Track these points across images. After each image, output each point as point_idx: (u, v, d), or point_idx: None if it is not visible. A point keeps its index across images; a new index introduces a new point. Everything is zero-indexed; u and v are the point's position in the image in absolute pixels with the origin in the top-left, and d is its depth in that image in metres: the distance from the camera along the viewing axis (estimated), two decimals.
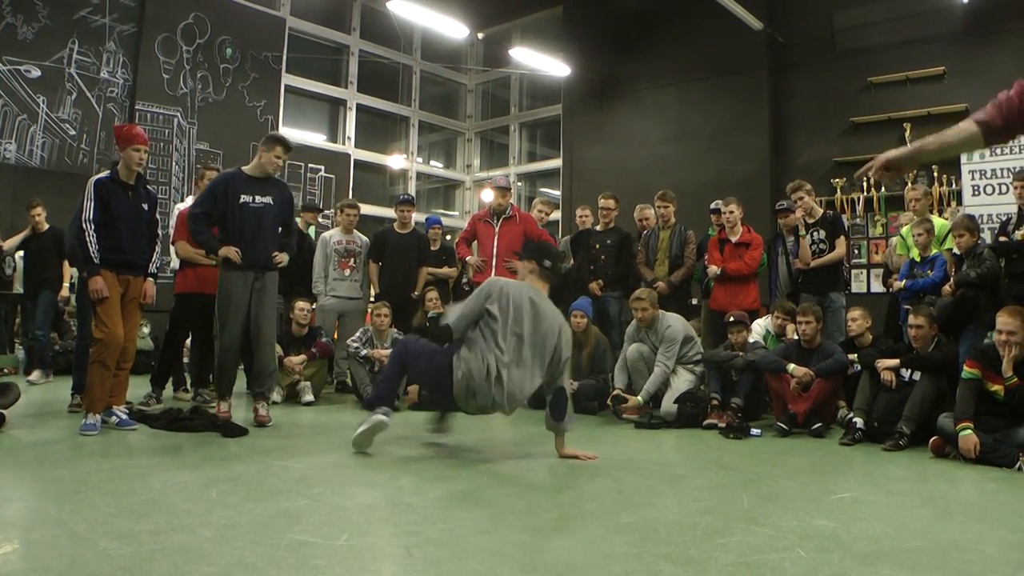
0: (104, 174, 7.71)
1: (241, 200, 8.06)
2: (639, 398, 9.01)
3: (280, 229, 8.40)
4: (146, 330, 13.18)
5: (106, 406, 7.55)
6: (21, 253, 12.41)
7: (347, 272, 11.08)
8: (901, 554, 3.92)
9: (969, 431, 6.60)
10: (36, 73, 14.36)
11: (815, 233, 9.93)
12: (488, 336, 6.40)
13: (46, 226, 11.92)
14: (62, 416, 8.42)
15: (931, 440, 6.98)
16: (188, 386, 10.25)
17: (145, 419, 7.92)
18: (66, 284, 12.09)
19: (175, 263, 10.17)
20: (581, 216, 11.98)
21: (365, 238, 11.46)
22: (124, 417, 7.70)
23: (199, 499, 4.81)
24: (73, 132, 14.77)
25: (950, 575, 3.63)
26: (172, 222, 10.33)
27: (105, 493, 4.91)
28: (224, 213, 8.07)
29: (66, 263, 12.05)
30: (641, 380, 9.16)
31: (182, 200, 12.93)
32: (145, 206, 7.84)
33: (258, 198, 8.14)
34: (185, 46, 16.26)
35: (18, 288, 12.96)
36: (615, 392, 9.21)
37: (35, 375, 11.55)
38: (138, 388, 9.02)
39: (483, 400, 6.41)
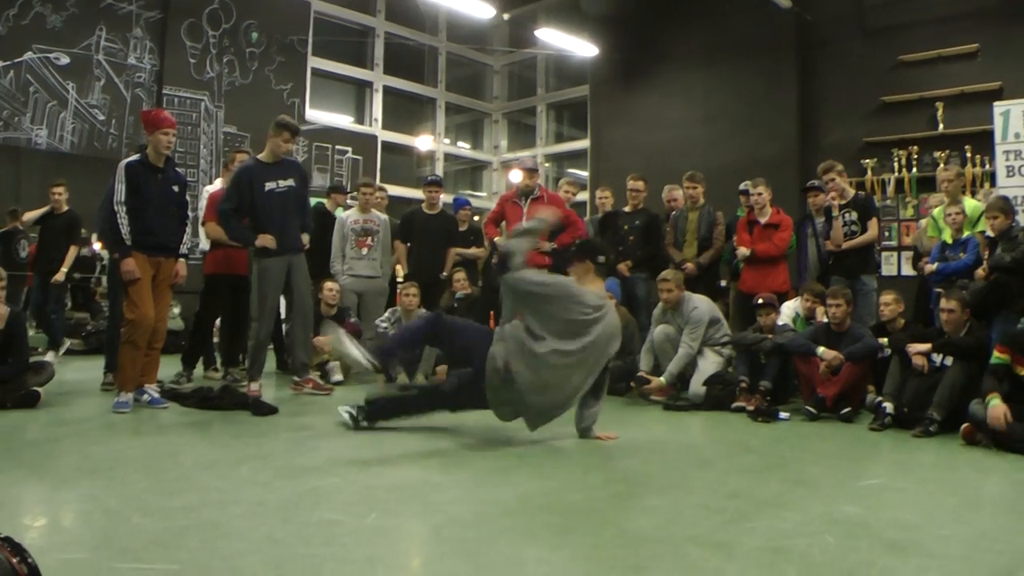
0: (134, 157, 7.79)
1: (267, 188, 8.37)
2: (662, 379, 9.00)
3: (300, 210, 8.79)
4: (176, 310, 13.21)
5: (137, 385, 7.65)
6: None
7: (364, 251, 10.96)
8: (930, 543, 3.90)
9: (997, 400, 6.49)
10: (65, 60, 14.45)
11: (847, 215, 9.79)
12: (532, 345, 6.20)
13: (65, 207, 11.95)
14: (95, 394, 8.55)
15: (962, 427, 6.83)
16: (218, 365, 10.31)
17: (176, 397, 8.02)
18: (63, 269, 12.08)
19: (204, 244, 10.22)
20: (601, 198, 11.95)
21: (384, 216, 11.36)
22: (155, 396, 7.79)
23: (229, 476, 4.87)
24: (102, 117, 14.86)
25: (979, 565, 3.60)
26: (201, 204, 10.36)
27: (137, 469, 4.97)
28: (252, 203, 8.35)
29: (72, 248, 12.10)
30: (667, 362, 9.13)
31: (210, 182, 12.98)
32: (175, 188, 7.92)
33: (281, 183, 8.48)
34: (211, 31, 16.31)
35: None
36: (639, 374, 9.20)
37: (50, 355, 11.61)
38: (168, 368, 9.07)
39: (510, 398, 6.32)
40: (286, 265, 8.50)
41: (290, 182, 8.55)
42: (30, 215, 12.02)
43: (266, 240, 8.29)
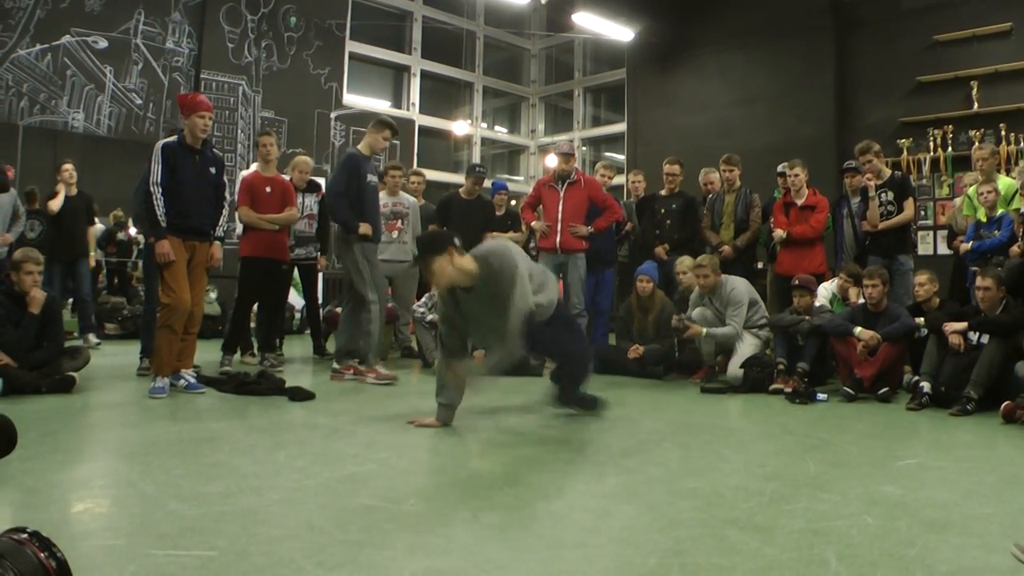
0: (171, 138, 7.76)
1: (368, 179, 8.95)
2: (702, 330, 9.10)
3: None
4: (213, 295, 13.26)
5: (174, 370, 7.66)
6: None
7: (394, 234, 10.92)
8: (969, 522, 3.88)
9: None
10: (103, 44, 14.52)
11: (883, 195, 9.78)
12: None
13: (75, 190, 11.99)
14: (131, 379, 8.57)
15: (1003, 405, 6.82)
16: (255, 351, 10.33)
17: (213, 383, 8.02)
18: (92, 252, 12.21)
19: (239, 228, 10.25)
20: (633, 182, 12.02)
21: (412, 199, 11.32)
22: (192, 381, 7.80)
23: (267, 462, 4.87)
24: (139, 101, 14.92)
25: (1020, 542, 3.56)
26: (237, 188, 10.38)
27: (174, 455, 4.98)
28: (359, 191, 8.86)
29: (91, 229, 12.19)
30: (705, 345, 9.21)
31: (247, 167, 13.02)
32: (212, 170, 7.91)
33: (372, 178, 9.10)
34: (249, 15, 16.35)
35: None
36: (678, 318, 9.23)
37: (92, 338, 11.73)
38: (204, 352, 9.10)
39: None
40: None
41: (375, 178, 9.28)
42: (54, 202, 11.92)
43: (366, 228, 8.76)
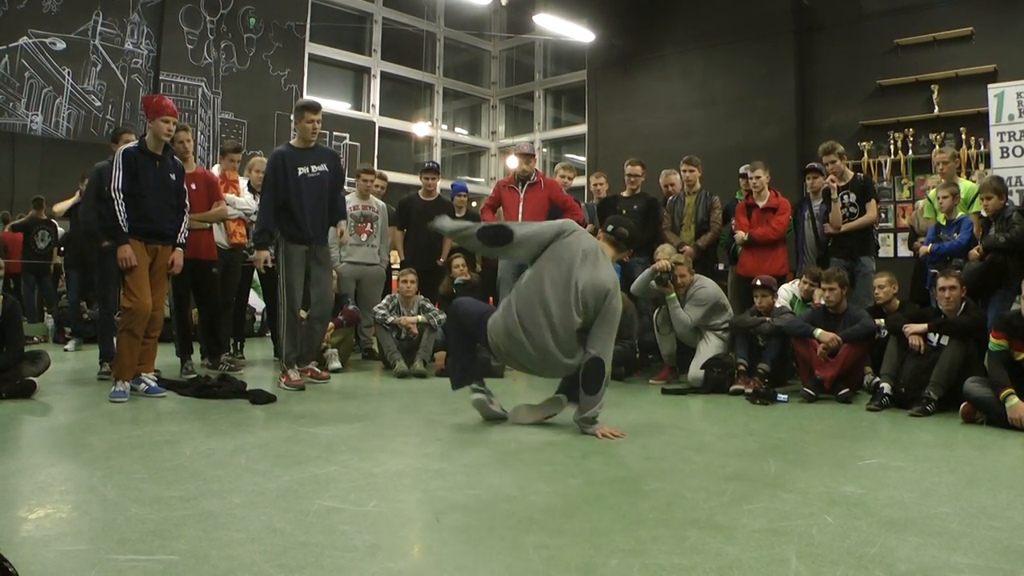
0: (132, 144, 7.71)
1: (299, 173, 8.45)
2: (673, 295, 9.20)
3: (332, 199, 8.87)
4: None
5: (135, 374, 7.60)
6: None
7: (363, 237, 10.91)
8: (928, 520, 3.91)
9: (1016, 399, 6.48)
10: (61, 45, 14.45)
11: (845, 196, 9.82)
12: (512, 292, 6.45)
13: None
14: (91, 383, 8.52)
15: (962, 406, 6.87)
16: (201, 355, 9.95)
17: (174, 386, 7.97)
18: None
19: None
20: (596, 184, 11.95)
21: (382, 203, 11.33)
22: (153, 384, 7.73)
23: (228, 465, 4.85)
24: (98, 103, 14.85)
25: (978, 541, 3.60)
26: None
27: (135, 459, 4.95)
28: (286, 188, 8.42)
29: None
30: (665, 345, 9.45)
31: (208, 168, 12.96)
32: (173, 176, 7.85)
33: (314, 168, 8.55)
34: (209, 16, 16.31)
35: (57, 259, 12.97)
36: (667, 266, 9.22)
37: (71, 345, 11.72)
38: (163, 356, 9.00)
39: (514, 360, 6.50)
40: (307, 254, 8.58)
41: (323, 167, 8.63)
42: (61, 205, 11.83)
43: (259, 261, 8.67)
